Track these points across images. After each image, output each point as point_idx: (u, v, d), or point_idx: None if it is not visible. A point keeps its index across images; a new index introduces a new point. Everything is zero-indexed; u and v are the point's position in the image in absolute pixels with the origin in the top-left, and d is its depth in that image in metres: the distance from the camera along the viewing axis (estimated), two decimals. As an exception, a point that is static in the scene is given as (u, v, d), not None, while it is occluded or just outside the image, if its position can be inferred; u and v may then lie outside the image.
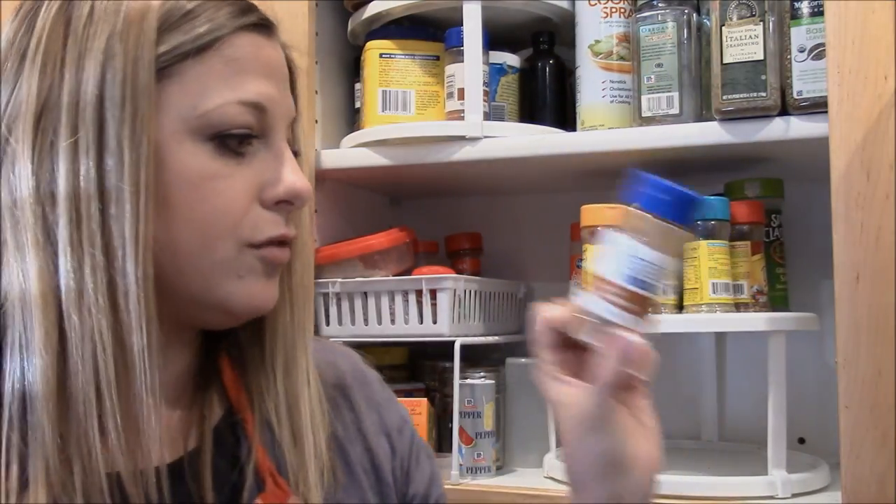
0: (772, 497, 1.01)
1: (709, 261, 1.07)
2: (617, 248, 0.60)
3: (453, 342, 1.17)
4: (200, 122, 0.60)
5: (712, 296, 1.07)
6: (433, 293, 1.19)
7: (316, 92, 1.28)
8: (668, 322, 1.09)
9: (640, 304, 0.60)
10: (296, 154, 0.67)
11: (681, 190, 0.60)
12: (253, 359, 0.68)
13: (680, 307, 1.10)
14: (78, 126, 0.58)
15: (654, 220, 0.59)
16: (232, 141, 0.61)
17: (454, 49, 1.21)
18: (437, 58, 1.26)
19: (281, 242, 0.64)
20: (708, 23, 1.09)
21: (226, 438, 0.65)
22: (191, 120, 0.60)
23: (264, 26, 0.65)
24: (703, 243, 1.08)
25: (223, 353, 0.68)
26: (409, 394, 1.29)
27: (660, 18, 1.11)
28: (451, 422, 1.18)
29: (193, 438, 0.65)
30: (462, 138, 1.17)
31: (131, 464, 0.57)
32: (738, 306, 1.10)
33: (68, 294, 0.57)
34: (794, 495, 1.01)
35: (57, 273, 0.57)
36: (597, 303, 0.60)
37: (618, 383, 0.60)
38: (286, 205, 0.64)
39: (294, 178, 0.64)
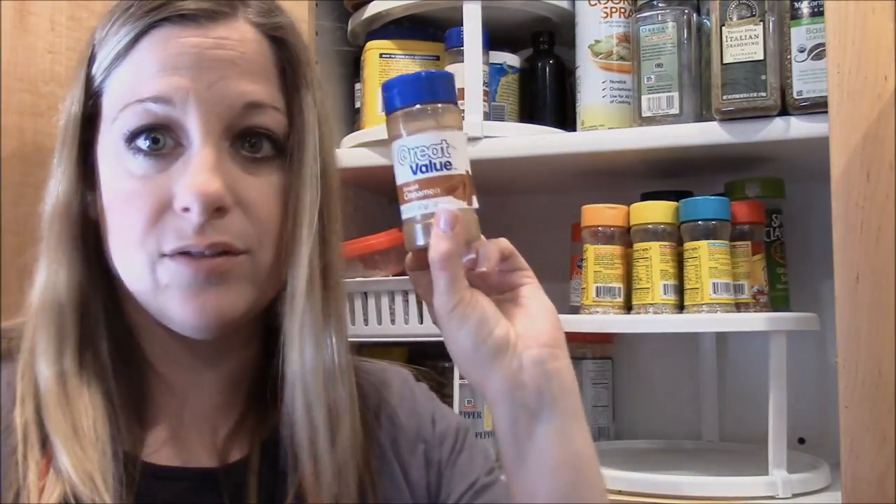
0: (772, 497, 1.01)
1: (709, 261, 1.07)
2: (394, 156, 0.63)
3: (453, 342, 1.17)
4: (114, 129, 0.60)
5: (713, 296, 1.07)
6: (433, 293, 1.19)
7: (316, 92, 1.28)
8: (669, 322, 1.09)
9: (436, 185, 0.63)
10: (280, 150, 0.62)
11: (403, 77, 0.63)
12: None
13: (681, 307, 1.10)
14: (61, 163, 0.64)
15: (398, 114, 0.62)
16: (142, 142, 0.59)
17: (454, 49, 1.20)
18: (437, 58, 1.26)
19: (222, 252, 0.59)
20: (708, 23, 1.09)
21: (272, 451, 0.64)
22: (107, 132, 0.61)
23: (185, 17, 0.60)
24: (704, 243, 1.08)
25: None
26: (409, 394, 1.29)
27: (660, 18, 1.11)
28: (452, 422, 1.18)
29: (240, 449, 0.64)
30: (462, 138, 1.17)
31: (177, 460, 0.61)
32: (739, 306, 1.10)
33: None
34: (795, 495, 1.01)
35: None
36: (408, 208, 0.63)
37: (446, 259, 0.62)
38: (188, 213, 0.58)
39: (196, 180, 0.57)
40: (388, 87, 0.62)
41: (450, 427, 0.73)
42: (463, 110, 1.18)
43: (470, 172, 0.65)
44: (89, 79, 0.62)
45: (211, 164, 0.58)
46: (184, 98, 0.59)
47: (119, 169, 0.60)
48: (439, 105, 0.63)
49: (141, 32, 0.60)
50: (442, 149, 0.62)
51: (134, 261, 0.59)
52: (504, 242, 0.67)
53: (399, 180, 0.63)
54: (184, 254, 0.58)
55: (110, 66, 0.60)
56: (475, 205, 0.66)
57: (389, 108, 0.63)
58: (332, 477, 0.62)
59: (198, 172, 0.58)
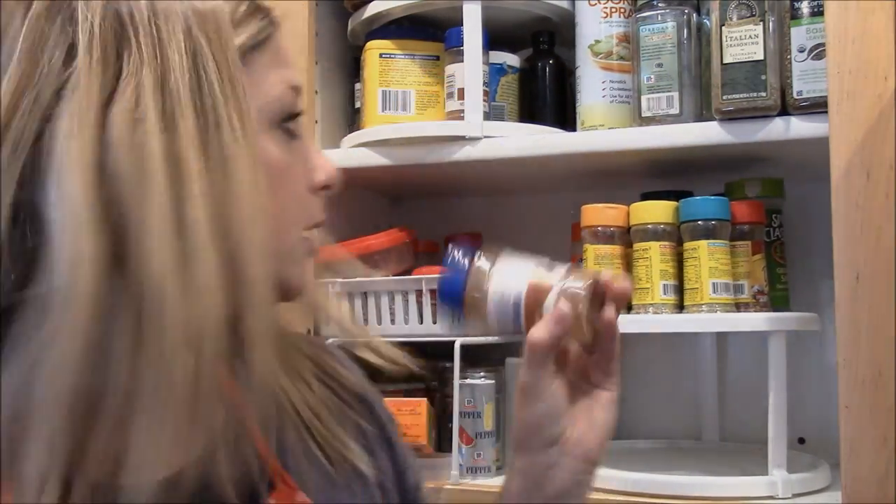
0: (772, 497, 1.01)
1: (709, 261, 1.07)
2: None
3: (453, 342, 1.17)
4: (271, 108, 0.63)
5: (713, 295, 1.07)
6: (433, 293, 1.19)
7: (316, 92, 1.28)
8: (669, 322, 1.09)
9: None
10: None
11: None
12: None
13: (680, 307, 1.10)
14: (174, 115, 0.55)
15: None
16: (291, 124, 0.64)
17: (454, 49, 1.21)
18: (437, 58, 1.26)
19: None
20: (708, 23, 1.09)
21: (229, 441, 0.64)
22: (264, 108, 0.62)
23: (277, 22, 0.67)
24: (704, 243, 1.08)
25: None
26: (409, 394, 1.29)
27: (660, 18, 1.11)
28: (451, 422, 1.18)
29: (197, 446, 0.63)
30: (462, 138, 1.17)
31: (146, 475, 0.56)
32: (739, 306, 1.10)
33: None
34: (795, 495, 1.01)
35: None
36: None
37: (542, 344, 0.65)
38: (326, 189, 0.67)
39: (330, 163, 0.67)
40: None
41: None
42: (463, 111, 1.18)
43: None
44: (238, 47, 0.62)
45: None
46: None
47: (274, 144, 0.63)
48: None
49: (271, 30, 0.64)
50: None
51: (290, 235, 0.64)
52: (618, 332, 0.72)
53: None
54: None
55: (254, 48, 0.62)
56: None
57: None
58: None
59: (324, 155, 0.67)
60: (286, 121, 0.64)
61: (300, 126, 0.66)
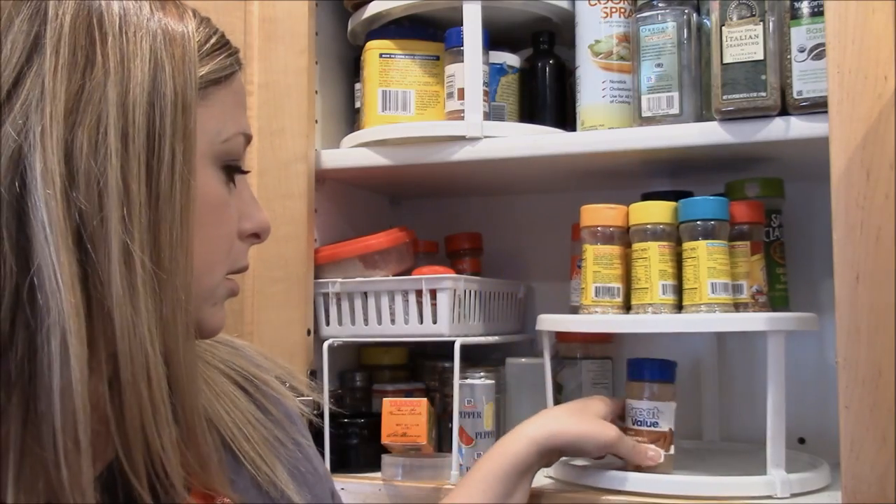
0: (770, 497, 1.01)
1: (707, 261, 1.07)
2: None
3: (453, 342, 1.17)
4: (222, 148, 0.64)
5: (711, 296, 1.07)
6: (433, 293, 1.19)
7: (316, 92, 1.28)
8: (669, 322, 1.09)
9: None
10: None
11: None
12: None
13: (680, 307, 1.10)
14: (127, 128, 0.56)
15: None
16: (233, 171, 0.65)
17: (454, 49, 1.21)
18: (437, 58, 1.26)
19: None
20: (708, 23, 1.09)
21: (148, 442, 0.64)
22: (215, 145, 0.63)
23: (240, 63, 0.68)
24: (702, 243, 1.08)
25: None
26: (409, 394, 1.29)
27: (660, 18, 1.11)
28: (451, 422, 1.18)
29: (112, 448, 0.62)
30: (462, 138, 1.17)
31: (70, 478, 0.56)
32: (738, 306, 1.10)
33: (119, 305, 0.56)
34: (794, 495, 1.01)
35: (87, 273, 0.55)
36: None
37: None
38: (254, 238, 0.69)
39: (264, 214, 0.69)
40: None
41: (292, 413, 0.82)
42: (463, 111, 1.18)
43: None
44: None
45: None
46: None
47: (215, 180, 0.64)
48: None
49: (237, 66, 0.67)
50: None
51: (214, 273, 0.65)
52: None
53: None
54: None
55: (213, 83, 0.64)
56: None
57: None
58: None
59: (261, 208, 0.69)
60: (231, 167, 0.65)
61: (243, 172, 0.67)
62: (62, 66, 0.56)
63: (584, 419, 0.99)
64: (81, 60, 0.57)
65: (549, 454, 0.98)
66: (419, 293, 1.20)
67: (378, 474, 1.17)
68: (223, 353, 0.77)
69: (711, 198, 1.11)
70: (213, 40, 0.64)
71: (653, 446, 1.04)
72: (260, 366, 0.79)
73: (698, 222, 1.09)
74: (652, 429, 1.07)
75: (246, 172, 0.68)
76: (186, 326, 0.59)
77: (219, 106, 0.64)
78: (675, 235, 1.11)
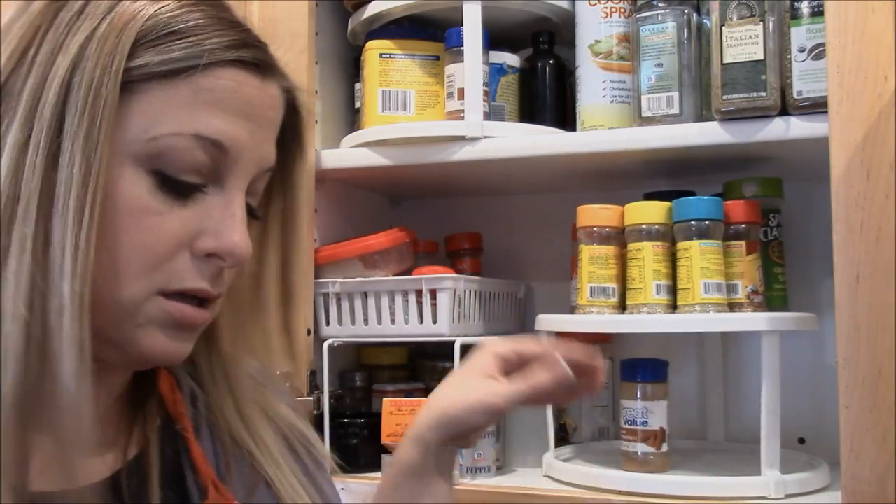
0: (764, 497, 1.01)
1: (700, 261, 1.07)
2: None
3: (453, 342, 1.17)
4: (148, 147, 0.56)
5: (704, 296, 1.07)
6: (433, 293, 1.19)
7: (316, 92, 1.28)
8: (670, 322, 1.09)
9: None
10: (252, 215, 0.62)
11: None
12: (186, 365, 0.68)
13: (674, 307, 1.10)
14: (32, 125, 0.53)
15: None
16: (176, 182, 0.56)
17: (454, 49, 1.21)
18: (437, 58, 1.26)
19: (200, 301, 0.59)
20: (708, 23, 1.09)
21: (165, 450, 0.63)
22: (139, 143, 0.55)
23: (257, 65, 0.59)
24: (695, 243, 1.08)
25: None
26: (409, 394, 1.29)
27: (660, 18, 1.11)
28: (451, 422, 1.18)
29: (133, 452, 0.62)
30: (462, 138, 1.17)
31: (64, 482, 0.54)
32: (733, 306, 1.10)
33: None
34: (789, 496, 1.01)
35: None
36: None
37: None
38: (217, 260, 0.58)
39: (236, 235, 0.58)
40: None
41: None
42: (463, 111, 1.18)
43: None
44: (125, 71, 0.56)
45: (244, 218, 0.59)
46: (238, 151, 0.58)
47: (140, 185, 0.56)
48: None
49: (213, 63, 0.57)
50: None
51: (126, 287, 0.56)
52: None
53: None
54: (180, 295, 0.58)
55: (161, 75, 0.56)
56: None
57: None
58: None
59: (238, 228, 0.58)
60: (172, 172, 0.56)
61: (216, 178, 0.58)
62: (4, 58, 0.55)
63: (467, 389, 0.73)
64: (19, 55, 0.55)
65: (439, 445, 0.72)
66: (419, 293, 1.20)
67: (378, 474, 1.17)
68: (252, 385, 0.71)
69: (705, 198, 1.11)
70: (166, 30, 0.56)
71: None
72: (292, 408, 0.75)
73: (692, 222, 1.09)
74: (643, 427, 1.08)
75: (192, 186, 0.57)
76: (76, 342, 0.52)
77: (158, 102, 0.56)
78: (670, 235, 1.12)
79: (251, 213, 0.62)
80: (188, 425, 0.64)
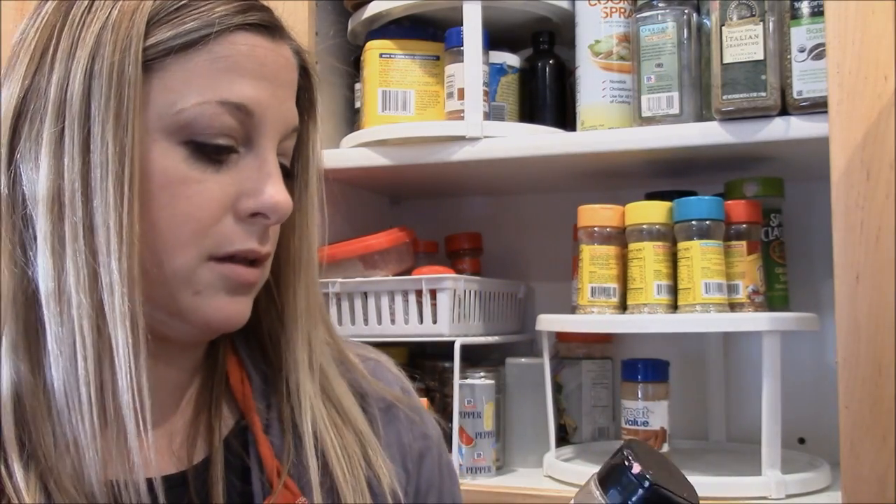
0: (765, 498, 1.01)
1: (701, 261, 1.07)
2: None
3: (453, 342, 1.17)
4: (176, 120, 0.58)
5: (705, 296, 1.07)
6: (433, 293, 1.19)
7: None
8: (670, 322, 1.09)
9: None
10: (286, 174, 0.64)
11: None
12: (254, 359, 0.68)
13: (675, 307, 1.10)
14: (64, 118, 0.56)
15: None
16: (210, 146, 0.58)
17: (454, 49, 1.21)
18: (437, 58, 1.26)
19: (252, 261, 0.61)
20: (708, 23, 1.09)
21: (234, 445, 0.64)
22: (167, 118, 0.58)
23: (266, 27, 0.61)
24: (696, 243, 1.08)
25: (230, 352, 0.68)
26: (409, 394, 1.29)
27: (660, 18, 1.11)
28: (451, 422, 1.18)
29: (202, 448, 0.63)
30: (462, 138, 1.17)
31: (122, 472, 0.55)
32: (733, 306, 1.10)
33: (47, 295, 0.55)
34: (790, 496, 1.01)
35: (33, 273, 0.56)
36: None
37: None
38: (262, 218, 0.60)
39: (274, 191, 0.60)
40: None
41: (428, 442, 0.76)
42: (463, 111, 1.18)
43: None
44: (144, 50, 0.58)
45: (280, 178, 0.61)
46: (262, 113, 0.60)
47: (175, 158, 0.58)
48: None
49: (225, 29, 0.59)
50: None
51: (179, 257, 0.58)
52: None
53: None
54: (230, 259, 0.60)
55: (177, 49, 0.58)
56: None
57: None
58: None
59: (276, 184, 0.60)
60: (199, 143, 0.58)
61: (246, 140, 0.60)
62: (24, 67, 0.58)
63: None
64: (39, 59, 0.58)
65: None
66: (419, 293, 1.20)
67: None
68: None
69: (706, 198, 1.11)
70: (175, 6, 0.58)
71: None
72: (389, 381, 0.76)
73: (693, 222, 1.09)
74: (644, 427, 1.08)
75: (225, 148, 0.59)
76: (129, 316, 0.55)
77: (180, 75, 0.58)
78: (671, 236, 1.12)
79: (285, 172, 0.64)
80: (256, 420, 0.65)
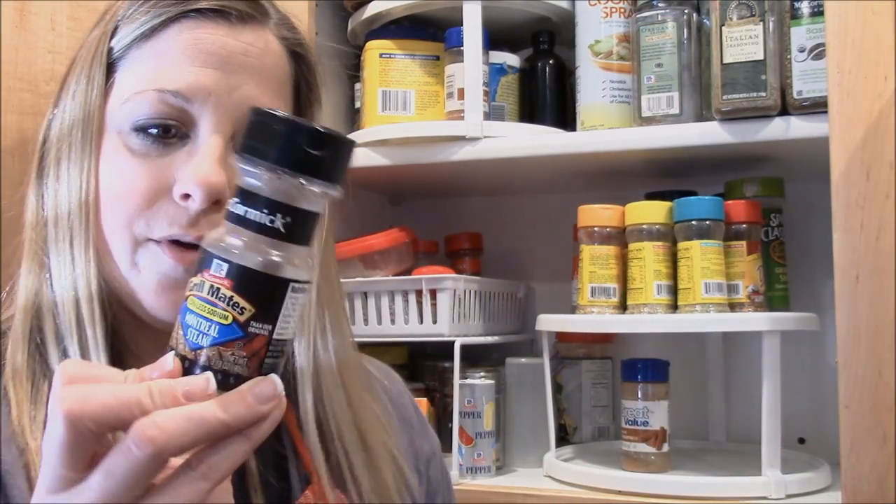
0: (765, 498, 1.01)
1: (701, 261, 1.07)
2: None
3: (453, 342, 1.17)
4: (121, 112, 0.60)
5: (705, 296, 1.07)
6: (433, 293, 1.19)
7: (316, 92, 1.28)
8: (671, 322, 1.09)
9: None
10: None
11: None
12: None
13: (675, 307, 1.10)
14: (61, 147, 0.62)
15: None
16: (150, 132, 0.59)
17: (454, 49, 1.21)
18: (437, 58, 1.26)
19: (187, 244, 0.59)
20: (708, 23, 1.09)
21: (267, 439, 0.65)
22: (116, 111, 0.60)
23: (222, 13, 0.61)
24: (696, 243, 1.08)
25: None
26: (409, 394, 1.29)
27: (660, 18, 1.11)
28: (451, 422, 1.18)
29: None
30: (462, 138, 1.17)
31: None
32: (734, 306, 1.10)
33: (47, 305, 0.60)
34: (790, 496, 1.01)
35: (40, 286, 0.61)
36: None
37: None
38: (190, 200, 0.58)
39: (200, 170, 0.58)
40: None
41: (433, 449, 0.79)
42: (463, 111, 1.18)
43: None
44: (109, 52, 0.62)
45: (217, 156, 0.59)
46: (204, 99, 0.60)
47: (120, 147, 0.60)
48: None
49: (171, 18, 0.60)
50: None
51: (117, 240, 0.60)
52: None
53: None
54: (172, 242, 0.59)
55: (131, 45, 0.61)
56: None
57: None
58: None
59: (204, 162, 0.58)
60: (141, 129, 0.59)
61: (193, 126, 0.60)
62: (51, 105, 0.66)
63: None
64: (70, 63, 0.65)
65: None
66: (419, 293, 1.20)
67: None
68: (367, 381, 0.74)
69: (706, 198, 1.11)
70: (136, 4, 0.61)
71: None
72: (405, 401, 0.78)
73: (693, 222, 1.09)
74: (644, 427, 1.08)
75: (167, 134, 0.59)
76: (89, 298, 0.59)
77: (131, 69, 0.61)
78: (671, 235, 1.12)
79: None
80: (290, 415, 0.65)
